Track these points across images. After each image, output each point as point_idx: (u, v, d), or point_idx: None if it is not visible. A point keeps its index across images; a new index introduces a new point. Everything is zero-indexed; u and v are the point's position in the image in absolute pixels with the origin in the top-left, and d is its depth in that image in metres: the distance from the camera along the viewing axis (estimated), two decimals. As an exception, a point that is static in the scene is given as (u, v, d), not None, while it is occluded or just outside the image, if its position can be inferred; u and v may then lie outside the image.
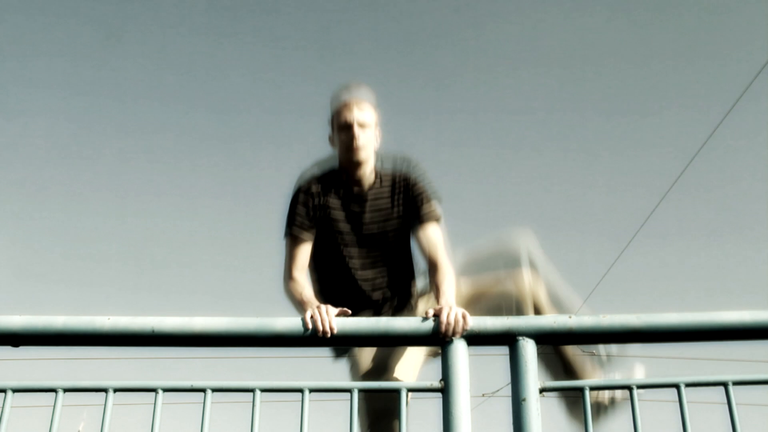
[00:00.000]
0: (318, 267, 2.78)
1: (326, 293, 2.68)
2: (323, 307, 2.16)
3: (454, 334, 2.03)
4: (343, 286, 2.72)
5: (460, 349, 2.02)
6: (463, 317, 2.06)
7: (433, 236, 2.70)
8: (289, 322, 2.07)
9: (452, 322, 2.05)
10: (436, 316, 2.08)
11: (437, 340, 2.05)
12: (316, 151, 2.87)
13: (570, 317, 2.03)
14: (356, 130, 2.62)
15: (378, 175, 2.74)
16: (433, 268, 2.64)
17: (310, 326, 2.06)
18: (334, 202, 2.70)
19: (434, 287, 2.58)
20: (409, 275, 2.84)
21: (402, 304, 2.79)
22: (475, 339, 2.04)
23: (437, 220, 2.73)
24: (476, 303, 2.60)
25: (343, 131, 2.65)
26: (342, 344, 2.30)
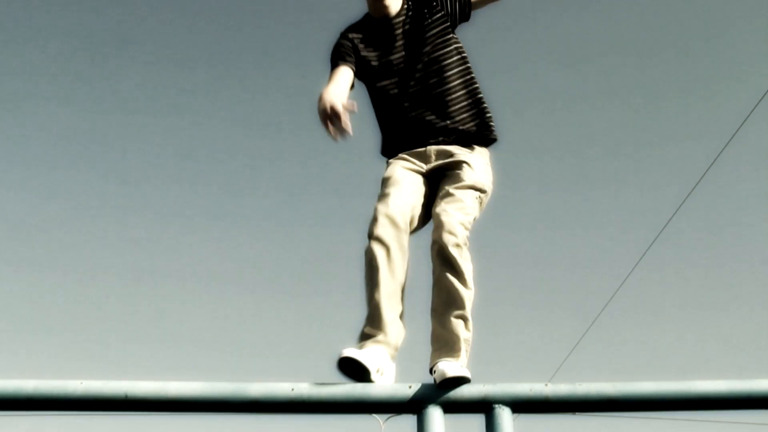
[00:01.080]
0: (376, 114, 2.88)
1: (386, 141, 2.83)
2: (328, 103, 2.31)
3: None
4: (398, 128, 2.79)
5: (435, 417, 2.01)
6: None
7: None
8: (265, 387, 2.05)
9: None
10: None
11: (413, 407, 2.05)
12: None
13: (546, 385, 2.04)
14: None
15: (405, 2, 2.89)
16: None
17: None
18: (368, 41, 2.86)
19: None
20: (465, 110, 2.80)
21: (459, 142, 2.76)
22: (451, 407, 2.03)
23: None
24: None
25: None
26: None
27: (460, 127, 2.78)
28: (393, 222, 2.54)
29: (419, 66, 2.82)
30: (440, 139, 2.76)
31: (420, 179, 2.74)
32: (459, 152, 2.74)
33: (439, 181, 2.74)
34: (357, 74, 2.85)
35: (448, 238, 2.51)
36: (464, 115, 2.80)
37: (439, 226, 2.53)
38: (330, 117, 2.35)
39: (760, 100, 6.58)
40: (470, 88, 2.83)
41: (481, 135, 2.80)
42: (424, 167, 2.75)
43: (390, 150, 2.86)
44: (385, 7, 2.86)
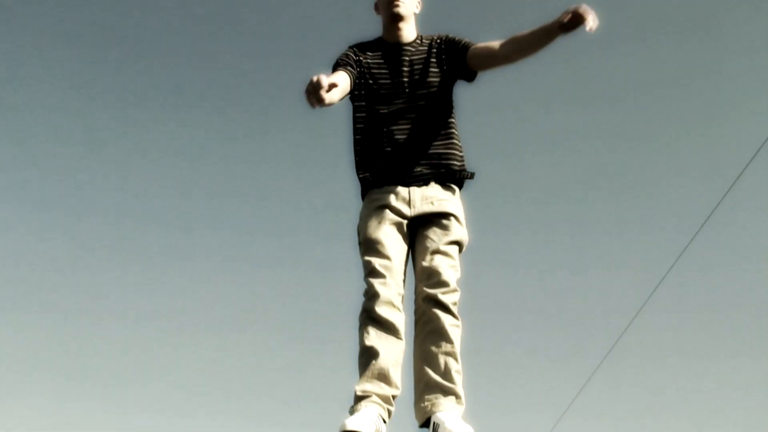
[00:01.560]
0: (359, 131, 2.85)
1: (366, 159, 2.80)
2: (317, 77, 2.31)
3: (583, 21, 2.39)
4: (382, 150, 2.76)
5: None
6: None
7: (482, 43, 2.79)
8: None
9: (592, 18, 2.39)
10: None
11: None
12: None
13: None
14: None
15: (419, 37, 2.93)
16: (506, 43, 2.70)
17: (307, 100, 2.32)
18: (375, 58, 2.87)
19: (528, 40, 2.62)
20: (454, 149, 2.81)
21: (442, 179, 2.77)
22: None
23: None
24: None
25: None
26: None
27: (442, 169, 2.76)
28: (390, 304, 2.54)
29: (415, 100, 2.80)
30: (421, 175, 2.74)
31: (403, 233, 2.71)
32: (442, 197, 2.72)
33: (422, 226, 2.71)
34: (354, 91, 2.84)
35: (447, 297, 2.54)
36: (446, 156, 2.78)
37: (437, 284, 2.55)
38: (314, 85, 2.33)
39: (765, 142, 6.57)
40: (454, 133, 2.83)
41: (460, 176, 2.79)
42: (408, 213, 2.70)
43: (370, 177, 2.80)
44: (399, 34, 2.88)
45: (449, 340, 2.50)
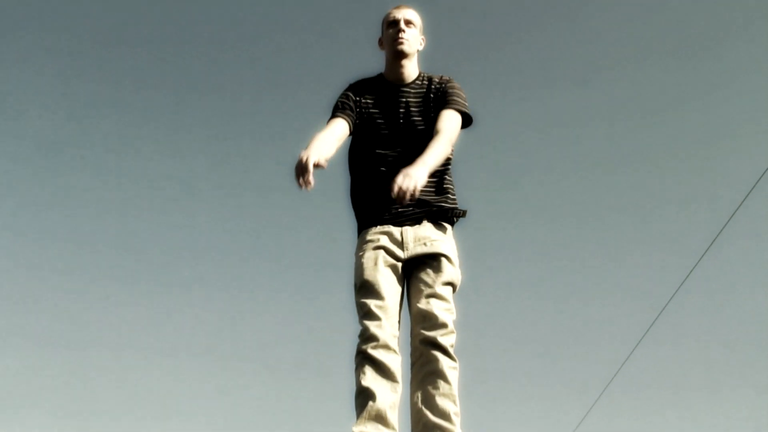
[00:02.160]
0: (354, 169, 2.90)
1: (360, 198, 2.85)
2: (307, 157, 2.43)
3: (400, 199, 2.32)
4: (376, 190, 2.79)
5: None
6: (414, 189, 2.34)
7: (449, 117, 2.78)
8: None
9: (405, 188, 2.33)
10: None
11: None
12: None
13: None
14: (402, 24, 2.88)
15: (420, 75, 2.94)
16: (435, 134, 2.70)
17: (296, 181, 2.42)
18: (373, 98, 2.89)
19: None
20: (446, 189, 2.84)
21: (434, 218, 2.79)
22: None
23: (459, 111, 2.81)
24: None
25: (391, 27, 2.90)
26: None
27: (434, 208, 2.79)
28: (386, 346, 2.54)
29: (409, 142, 2.81)
30: (413, 214, 2.76)
31: (397, 274, 2.71)
32: (434, 237, 2.73)
33: (416, 267, 2.72)
34: (355, 129, 2.87)
35: (445, 339, 2.54)
36: (438, 196, 2.82)
37: (434, 327, 2.55)
38: (300, 168, 2.45)
39: (759, 180, 6.59)
40: (447, 173, 2.87)
41: (452, 215, 2.82)
42: (401, 256, 2.71)
43: (363, 215, 2.84)
44: (401, 71, 2.91)
45: (448, 382, 2.49)
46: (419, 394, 2.53)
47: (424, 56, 3.02)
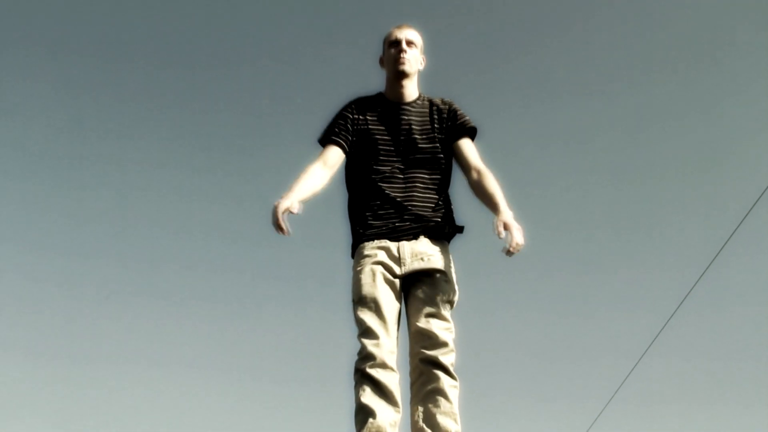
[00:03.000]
0: (352, 184, 2.92)
1: (358, 212, 2.85)
2: (278, 205, 2.53)
3: (510, 254, 2.47)
4: (374, 205, 2.81)
5: None
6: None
7: (472, 148, 2.89)
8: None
9: (520, 243, 2.50)
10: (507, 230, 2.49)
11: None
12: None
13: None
14: (404, 45, 2.91)
15: (421, 96, 2.98)
16: (477, 173, 2.80)
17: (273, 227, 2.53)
18: (373, 116, 2.92)
19: (484, 193, 2.73)
20: (444, 206, 2.87)
21: (431, 233, 2.80)
22: None
23: (473, 135, 2.92)
24: None
25: (392, 47, 2.93)
26: None
27: (431, 223, 2.79)
28: (384, 365, 2.54)
29: (409, 159, 2.85)
30: (410, 229, 2.76)
31: (396, 291, 2.71)
32: (431, 252, 2.74)
33: (413, 285, 2.72)
34: (353, 147, 2.89)
35: (446, 358, 2.56)
36: (435, 211, 2.82)
37: (435, 346, 2.56)
38: (273, 217, 2.55)
39: (762, 194, 6.59)
40: (445, 189, 2.91)
41: (449, 230, 2.83)
42: (398, 272, 2.71)
43: (360, 230, 2.83)
44: (401, 91, 2.94)
45: (449, 401, 2.51)
46: (421, 413, 2.53)
47: (424, 77, 3.06)
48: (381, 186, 2.81)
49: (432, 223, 2.79)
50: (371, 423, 2.44)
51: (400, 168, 2.83)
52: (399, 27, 2.98)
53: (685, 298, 8.01)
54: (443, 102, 2.96)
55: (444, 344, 2.56)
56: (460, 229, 2.86)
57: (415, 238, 2.76)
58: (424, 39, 3.03)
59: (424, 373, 2.56)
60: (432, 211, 2.81)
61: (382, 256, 2.72)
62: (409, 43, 2.92)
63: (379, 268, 2.70)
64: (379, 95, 3.00)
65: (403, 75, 2.91)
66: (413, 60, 2.93)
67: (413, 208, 2.78)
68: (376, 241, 2.76)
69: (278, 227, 2.52)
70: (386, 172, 2.83)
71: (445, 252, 2.79)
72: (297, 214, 2.56)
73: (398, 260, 2.72)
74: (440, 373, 2.53)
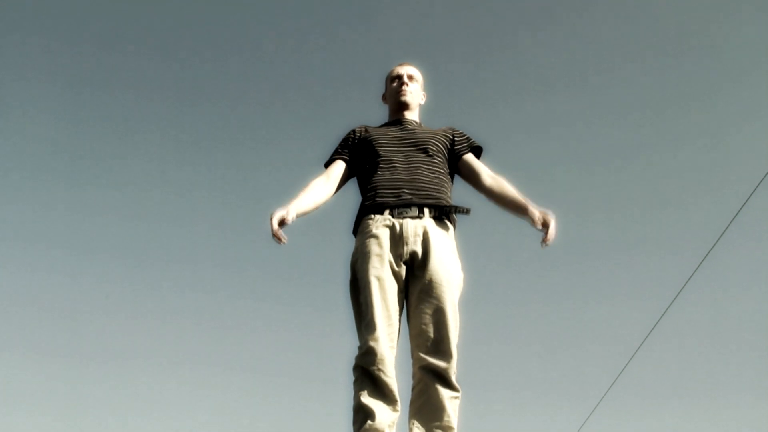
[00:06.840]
0: (361, 173, 3.00)
1: (365, 192, 2.91)
2: (273, 216, 2.63)
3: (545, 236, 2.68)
4: (380, 183, 2.86)
5: None
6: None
7: (478, 161, 3.01)
8: None
9: (555, 230, 2.69)
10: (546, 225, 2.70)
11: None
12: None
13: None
14: (405, 78, 3.10)
15: (421, 125, 3.11)
16: (491, 178, 2.91)
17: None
18: (376, 128, 3.07)
19: (505, 194, 2.85)
20: (447, 190, 2.93)
21: (435, 213, 2.82)
22: None
23: (479, 152, 3.05)
24: None
25: (394, 81, 3.12)
26: None
27: (436, 204, 2.81)
28: (384, 362, 2.53)
29: (414, 152, 2.92)
30: (412, 204, 2.77)
31: (399, 279, 2.69)
32: (434, 233, 2.73)
33: (416, 277, 2.69)
34: (357, 150, 3.00)
35: (447, 369, 2.55)
36: (440, 191, 2.86)
37: (436, 354, 2.56)
38: (270, 227, 2.65)
39: (761, 182, 6.56)
40: (449, 181, 2.97)
41: (454, 210, 2.84)
42: (402, 254, 2.69)
43: (372, 199, 2.85)
44: (405, 105, 3.08)
45: (447, 414, 2.51)
46: (419, 423, 2.54)
47: (425, 110, 3.21)
48: (385, 167, 2.87)
49: (437, 203, 2.80)
50: (369, 425, 2.44)
51: (405, 155, 2.90)
52: (401, 64, 3.15)
53: (681, 289, 8.00)
54: (448, 127, 3.08)
55: (445, 352, 2.55)
56: (466, 211, 2.85)
57: (419, 217, 2.74)
58: (425, 76, 3.19)
59: (423, 380, 2.56)
60: (437, 192, 2.84)
61: (385, 236, 2.70)
62: (411, 77, 3.10)
63: (385, 252, 2.68)
64: (383, 125, 3.13)
65: (405, 106, 3.06)
66: (415, 93, 3.09)
67: (418, 185, 2.82)
68: (379, 217, 2.76)
69: (276, 237, 2.60)
70: (392, 158, 2.89)
71: (449, 235, 2.79)
72: (288, 223, 2.68)
73: (401, 239, 2.69)
74: (440, 386, 2.53)
